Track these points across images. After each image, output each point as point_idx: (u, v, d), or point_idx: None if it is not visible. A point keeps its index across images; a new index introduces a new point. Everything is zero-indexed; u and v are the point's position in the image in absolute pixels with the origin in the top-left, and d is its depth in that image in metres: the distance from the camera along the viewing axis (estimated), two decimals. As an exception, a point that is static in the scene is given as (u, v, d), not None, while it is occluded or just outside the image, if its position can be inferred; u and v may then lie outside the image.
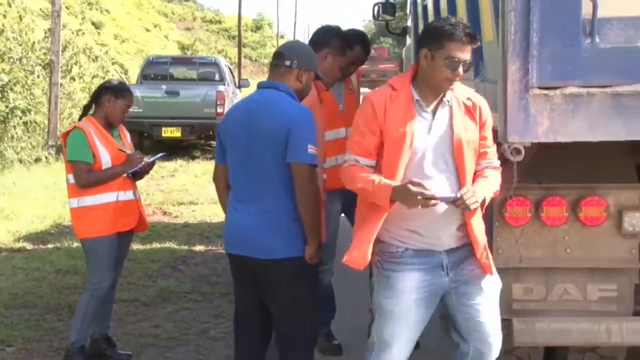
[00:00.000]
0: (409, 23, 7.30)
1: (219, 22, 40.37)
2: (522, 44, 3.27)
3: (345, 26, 4.91)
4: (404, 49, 8.81)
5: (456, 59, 3.00)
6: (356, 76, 4.88)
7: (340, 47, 4.46)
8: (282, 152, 3.41)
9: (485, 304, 3.18)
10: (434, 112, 3.08)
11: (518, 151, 3.38)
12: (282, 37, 46.00)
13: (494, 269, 3.20)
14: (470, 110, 3.11)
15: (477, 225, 3.15)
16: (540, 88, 3.29)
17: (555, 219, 3.57)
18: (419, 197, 2.92)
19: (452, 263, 3.14)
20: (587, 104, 3.18)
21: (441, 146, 3.06)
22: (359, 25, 65.00)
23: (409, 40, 7.68)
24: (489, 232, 3.71)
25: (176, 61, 16.84)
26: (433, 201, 2.94)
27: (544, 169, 3.61)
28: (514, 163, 3.43)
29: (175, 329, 5.32)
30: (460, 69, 3.03)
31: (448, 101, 3.10)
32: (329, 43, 4.44)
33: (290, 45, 3.82)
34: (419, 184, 2.94)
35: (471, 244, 3.16)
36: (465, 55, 3.02)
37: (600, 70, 3.18)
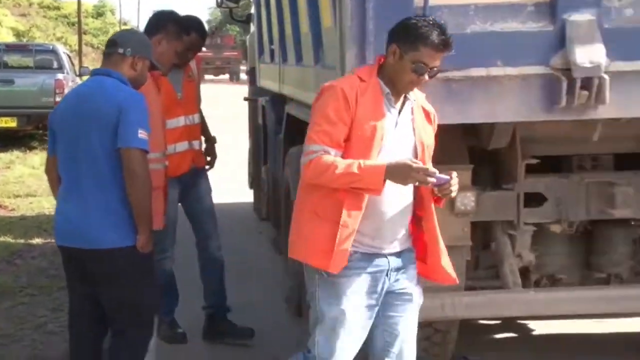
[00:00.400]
0: (253, 10, 7.31)
1: (58, 8, 38.76)
2: (359, 31, 3.34)
3: (190, 13, 4.86)
4: (247, 37, 8.81)
5: (424, 65, 2.85)
6: (196, 63, 4.83)
7: (174, 32, 4.40)
8: (111, 137, 3.33)
9: (409, 319, 3.04)
10: (399, 109, 2.96)
11: (357, 135, 3.47)
12: (125, 24, 44.76)
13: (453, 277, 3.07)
14: (429, 116, 3.04)
15: (437, 228, 3.01)
16: (378, 74, 3.39)
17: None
18: (421, 173, 2.78)
19: (393, 269, 2.97)
20: (426, 88, 3.29)
21: (404, 145, 2.95)
22: (205, 12, 64.29)
23: (252, 28, 7.69)
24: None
25: (10, 48, 16.06)
26: (430, 179, 2.79)
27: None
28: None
29: (10, 325, 5.09)
30: (427, 75, 2.88)
31: (414, 100, 2.99)
32: (164, 28, 4.38)
33: (124, 33, 3.80)
34: (417, 162, 2.82)
35: (416, 248, 3.04)
36: (436, 62, 2.86)
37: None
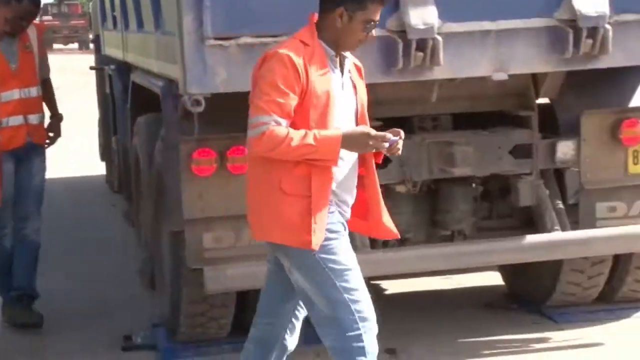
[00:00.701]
0: (95, -25, 7.06)
1: None
2: (196, -5, 3.29)
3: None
4: (91, 4, 8.52)
5: (373, 22, 2.84)
6: (37, 33, 4.60)
7: None
8: None
9: None
10: (341, 70, 2.91)
11: (198, 102, 3.41)
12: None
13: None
14: (360, 71, 3.00)
15: (378, 184, 2.99)
16: (215, 39, 3.34)
17: (241, 167, 3.65)
18: (378, 140, 2.75)
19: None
20: (261, 53, 3.26)
21: (348, 106, 2.90)
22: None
23: (96, -6, 7.43)
24: (177, 185, 3.72)
25: None
26: (384, 144, 2.78)
27: (229, 119, 3.65)
28: (195, 114, 3.48)
29: None
30: (373, 31, 2.86)
31: (348, 59, 2.94)
32: None
33: None
34: (373, 130, 2.78)
35: (357, 206, 2.97)
36: (378, 16, 2.86)
37: (272, 20, 3.29)
